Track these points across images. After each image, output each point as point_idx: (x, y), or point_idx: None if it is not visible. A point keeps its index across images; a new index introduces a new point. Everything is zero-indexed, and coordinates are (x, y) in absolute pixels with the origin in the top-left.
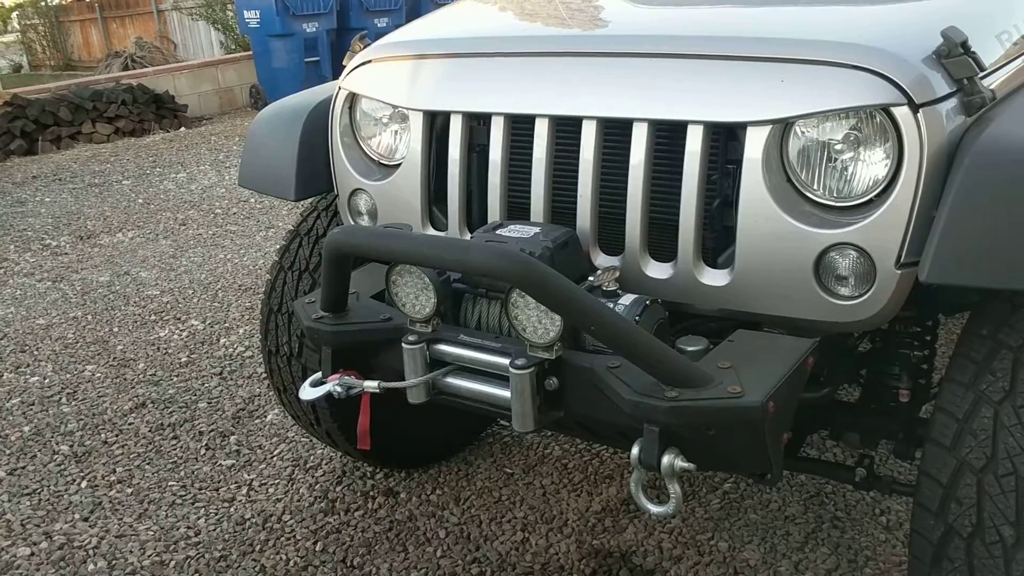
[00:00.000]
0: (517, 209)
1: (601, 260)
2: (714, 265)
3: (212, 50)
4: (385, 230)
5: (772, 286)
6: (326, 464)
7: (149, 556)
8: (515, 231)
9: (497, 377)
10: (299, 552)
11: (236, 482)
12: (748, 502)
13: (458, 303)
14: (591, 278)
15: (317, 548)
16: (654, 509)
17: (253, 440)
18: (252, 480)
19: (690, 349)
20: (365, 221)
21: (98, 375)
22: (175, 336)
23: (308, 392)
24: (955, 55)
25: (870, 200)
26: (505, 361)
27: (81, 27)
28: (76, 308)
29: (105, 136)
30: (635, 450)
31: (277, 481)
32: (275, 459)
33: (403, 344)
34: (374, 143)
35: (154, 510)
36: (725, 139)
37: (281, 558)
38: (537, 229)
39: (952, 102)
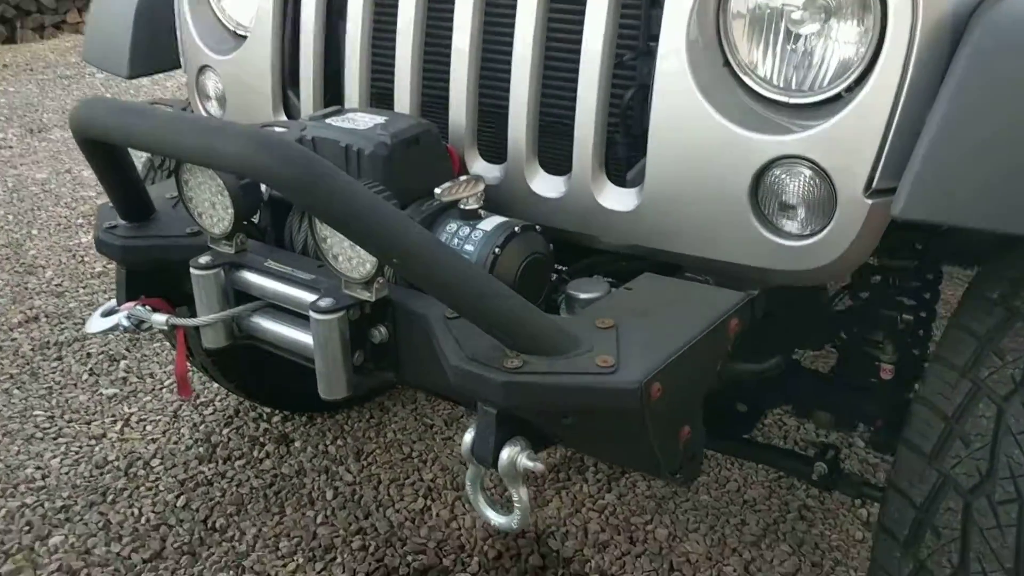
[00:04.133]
0: (383, 98)
1: (480, 168)
2: (621, 183)
3: None
4: (128, 105)
5: (692, 215)
6: (220, 401)
7: None
8: (352, 120)
9: None
10: (156, 507)
11: (112, 416)
12: (702, 479)
13: (282, 218)
14: (438, 190)
15: (179, 503)
16: (494, 518)
17: (145, 367)
18: (131, 414)
19: (582, 296)
20: (214, 109)
21: None
22: None
23: (95, 323)
24: None
25: (836, 96)
26: (312, 298)
27: None
28: (0, 206)
29: None
30: (467, 437)
31: (159, 418)
32: (164, 391)
33: (191, 268)
34: (228, 3)
35: (7, 444)
36: (647, 5)
37: (132, 513)
38: (382, 119)
39: None
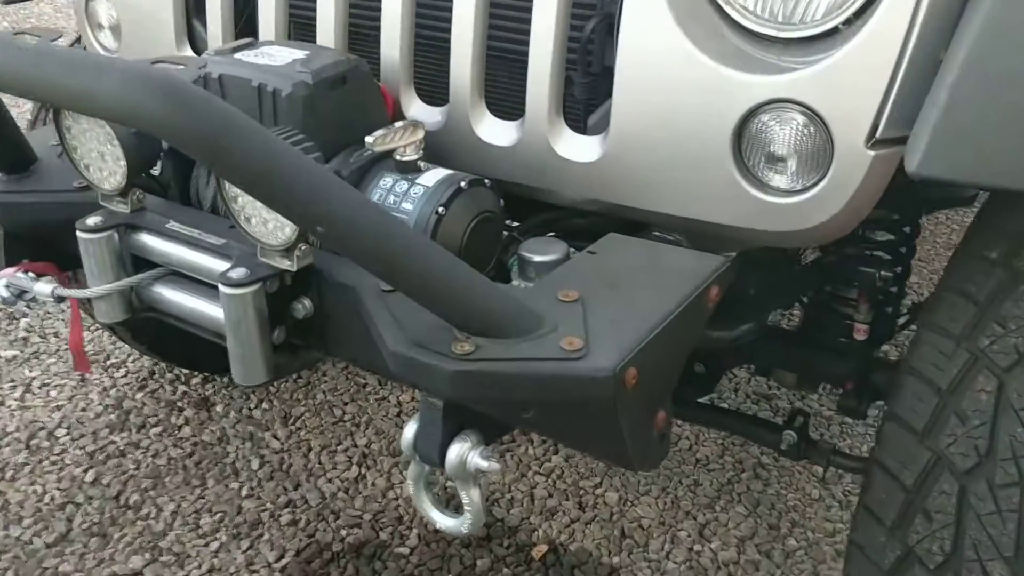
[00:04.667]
0: (304, 29)
1: (418, 112)
2: (582, 130)
3: None
4: None
5: (664, 167)
6: (133, 363)
7: None
8: (266, 55)
9: None
10: (61, 483)
11: (12, 380)
12: None
13: (188, 170)
14: (369, 138)
15: (87, 478)
16: (440, 521)
17: (49, 325)
18: (33, 379)
19: (537, 259)
20: (108, 41)
21: None
22: None
23: None
24: None
25: (833, 30)
26: (222, 266)
27: None
28: None
29: None
30: (409, 431)
31: (64, 382)
32: (70, 352)
33: (78, 231)
34: None
35: None
36: None
37: (34, 491)
38: (302, 54)
39: None
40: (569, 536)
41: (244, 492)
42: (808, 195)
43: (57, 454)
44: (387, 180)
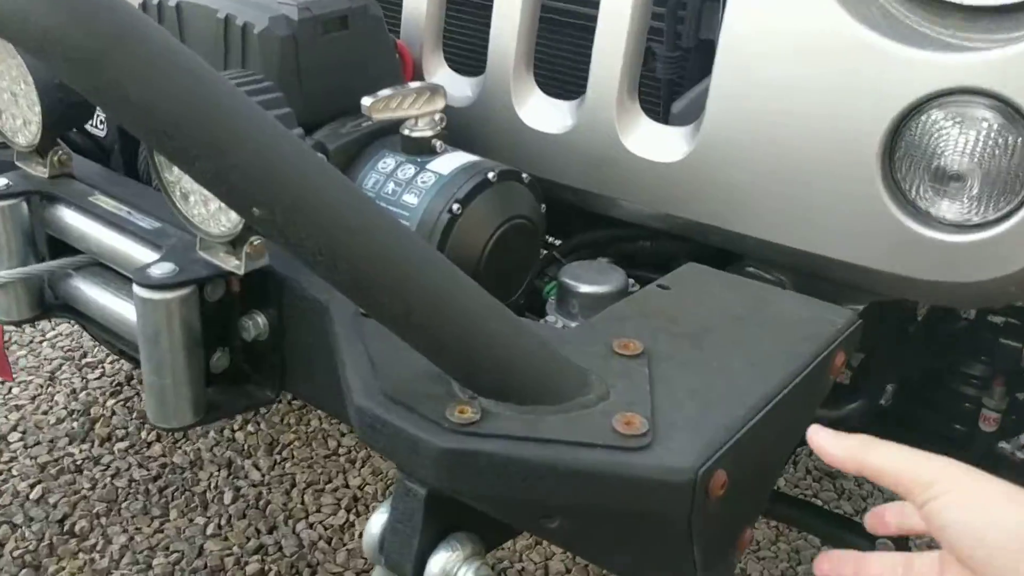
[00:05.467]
0: None
1: (443, 79)
2: (663, 119)
3: None
4: None
5: (777, 179)
6: (111, 364)
7: None
8: None
9: None
10: (2, 497)
11: None
12: None
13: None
14: (367, 100)
15: (32, 495)
16: None
17: None
18: None
19: (584, 289)
20: None
21: None
22: None
23: None
24: None
25: None
26: (150, 258)
27: None
28: None
29: None
30: (374, 525)
31: (31, 378)
32: (44, 344)
33: None
34: None
35: None
36: None
37: None
38: None
39: None
40: None
41: (210, 530)
42: (992, 232)
43: (5, 462)
44: (388, 161)
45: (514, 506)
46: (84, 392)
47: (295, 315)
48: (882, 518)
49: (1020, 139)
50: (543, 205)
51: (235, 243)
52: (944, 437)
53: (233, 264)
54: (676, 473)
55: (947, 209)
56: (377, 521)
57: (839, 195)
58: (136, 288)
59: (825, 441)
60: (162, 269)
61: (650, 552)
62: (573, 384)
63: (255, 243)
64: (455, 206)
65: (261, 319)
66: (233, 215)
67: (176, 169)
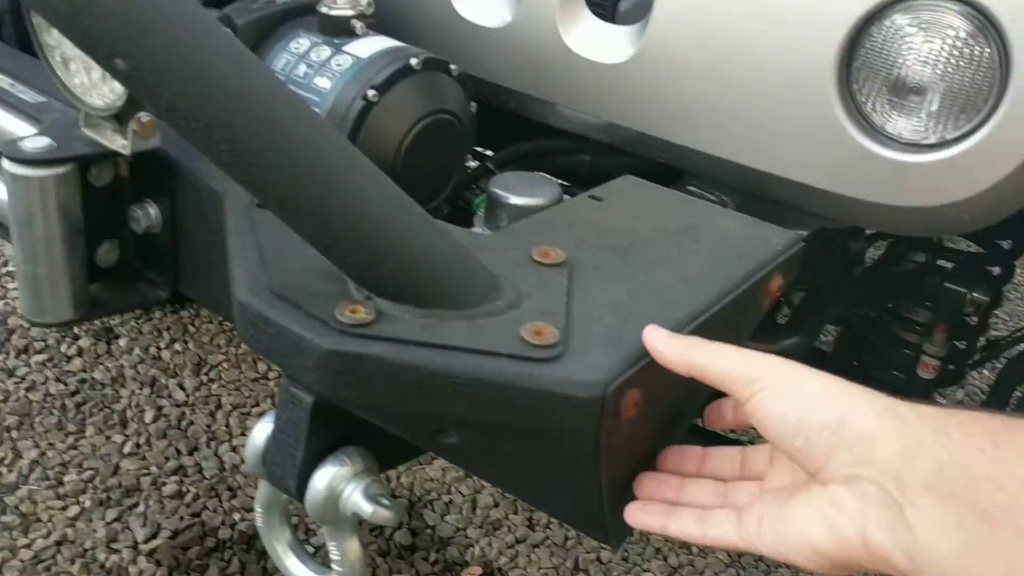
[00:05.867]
0: None
1: None
2: (609, 16)
3: None
4: None
5: (727, 89)
6: None
7: None
8: None
9: None
10: None
11: None
12: None
13: None
14: None
15: None
16: (297, 574)
17: None
18: None
19: (514, 201)
20: None
21: None
22: None
23: None
24: None
25: None
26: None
27: None
28: None
29: None
30: (258, 435)
31: None
32: None
33: None
34: None
35: None
36: None
37: None
38: None
39: None
40: (511, 560)
41: (127, 449)
42: (948, 153)
43: None
44: (302, 42)
45: (407, 418)
46: (3, 302)
47: (190, 206)
48: (721, 413)
49: (987, 51)
50: (473, 103)
51: (121, 118)
52: (883, 383)
53: (119, 144)
54: (585, 388)
55: (903, 126)
56: (261, 431)
57: (790, 107)
58: (5, 163)
59: (657, 341)
60: (36, 144)
61: (554, 475)
62: (481, 289)
63: (143, 120)
64: (371, 93)
65: (153, 209)
66: (117, 86)
67: (55, 31)
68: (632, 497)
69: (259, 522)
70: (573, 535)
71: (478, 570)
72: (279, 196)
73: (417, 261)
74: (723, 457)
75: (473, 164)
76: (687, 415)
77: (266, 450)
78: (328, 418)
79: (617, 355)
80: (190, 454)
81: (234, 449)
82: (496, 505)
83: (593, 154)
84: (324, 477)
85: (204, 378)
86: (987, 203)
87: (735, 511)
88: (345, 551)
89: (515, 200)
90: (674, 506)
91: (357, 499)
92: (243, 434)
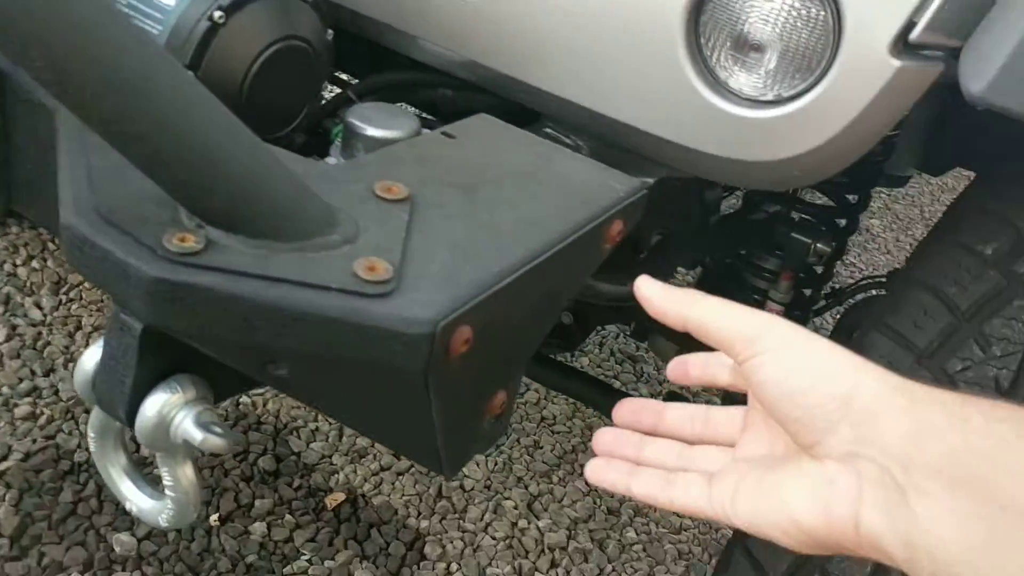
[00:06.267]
0: None
1: None
2: None
3: None
4: None
5: (576, 32)
6: None
7: None
8: None
9: None
10: None
11: None
12: None
13: None
14: None
15: None
16: (131, 500)
17: None
18: None
19: (370, 133)
20: None
21: None
22: None
23: None
24: None
25: None
26: None
27: None
28: None
29: None
30: (87, 361)
31: None
32: None
33: None
34: None
35: None
36: None
37: None
38: None
39: None
40: (375, 487)
41: None
42: (783, 111)
43: None
44: None
45: (236, 348)
46: None
47: (20, 121)
48: (685, 368)
49: (822, 14)
50: (330, 31)
51: None
52: None
53: None
54: (413, 324)
55: (744, 81)
56: (90, 357)
57: (640, 57)
58: None
59: (651, 292)
60: None
61: (387, 409)
62: (317, 222)
63: None
64: (217, 13)
65: None
66: None
67: None
68: (468, 426)
69: (93, 447)
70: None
71: (341, 496)
72: (102, 117)
73: (248, 190)
74: (683, 415)
75: (334, 92)
76: (526, 349)
77: (95, 376)
78: (158, 346)
79: (449, 293)
80: (46, 375)
81: None
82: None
83: (456, 90)
84: (154, 404)
85: (63, 297)
86: (816, 160)
87: (704, 477)
88: (178, 477)
89: (371, 131)
90: (637, 465)
91: (188, 426)
92: None
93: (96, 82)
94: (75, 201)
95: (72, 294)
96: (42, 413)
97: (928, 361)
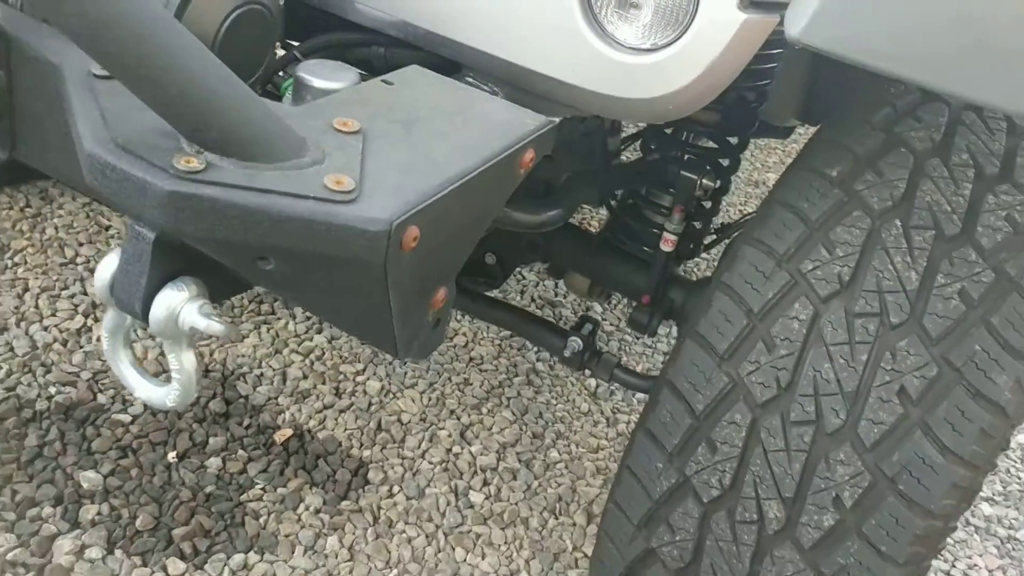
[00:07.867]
0: None
1: None
2: None
3: None
4: None
5: None
6: None
7: None
8: None
9: None
10: None
11: None
12: None
13: None
14: None
15: None
16: (140, 388)
17: None
18: None
19: (317, 84)
20: None
21: None
22: None
23: None
24: None
25: None
26: None
27: None
28: None
29: None
30: (105, 269)
31: None
32: None
33: None
34: None
35: None
36: None
37: None
38: None
39: None
40: (319, 423)
41: None
42: (659, 56)
43: None
44: None
45: (233, 247)
46: None
47: (25, 78)
48: None
49: None
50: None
51: None
52: (632, 257)
53: None
54: (373, 223)
55: (627, 32)
56: (107, 264)
57: (543, 14)
58: None
59: None
60: None
61: (354, 297)
62: (291, 148)
63: None
64: None
65: None
66: None
67: None
68: (416, 314)
69: (105, 345)
70: (376, 402)
71: (288, 432)
72: (123, 63)
73: (239, 123)
74: None
75: (281, 53)
76: (460, 254)
77: (113, 280)
78: (168, 251)
79: (400, 200)
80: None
81: (45, 329)
82: (305, 377)
83: (387, 47)
84: (164, 300)
85: (8, 262)
86: (686, 97)
87: None
88: (183, 361)
89: (318, 83)
90: None
91: (193, 316)
92: (54, 315)
93: (124, 39)
94: (94, 135)
95: (17, 259)
96: (0, 368)
97: (787, 264)
